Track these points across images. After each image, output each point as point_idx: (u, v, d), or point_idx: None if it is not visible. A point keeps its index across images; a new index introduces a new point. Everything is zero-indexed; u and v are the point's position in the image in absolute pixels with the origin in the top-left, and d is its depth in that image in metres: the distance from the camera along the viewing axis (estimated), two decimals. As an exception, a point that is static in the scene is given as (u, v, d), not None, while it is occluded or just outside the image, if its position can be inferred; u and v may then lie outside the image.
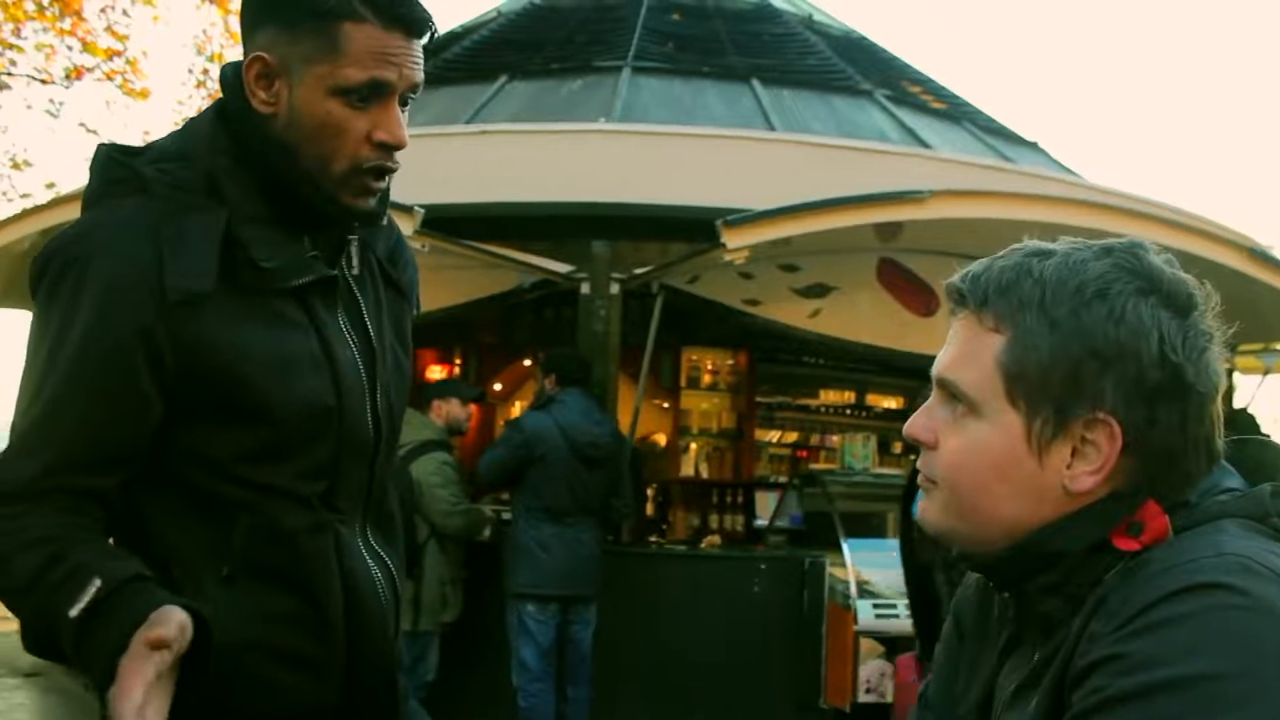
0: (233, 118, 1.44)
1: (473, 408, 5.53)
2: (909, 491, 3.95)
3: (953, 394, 1.05)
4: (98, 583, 1.25)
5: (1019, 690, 1.04)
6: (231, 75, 1.46)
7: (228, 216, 1.39)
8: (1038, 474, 1.01)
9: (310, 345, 1.44)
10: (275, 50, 1.40)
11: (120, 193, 1.40)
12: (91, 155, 1.47)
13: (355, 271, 1.54)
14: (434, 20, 1.44)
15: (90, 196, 1.43)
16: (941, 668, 1.23)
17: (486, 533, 5.47)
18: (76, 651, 1.25)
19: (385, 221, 1.59)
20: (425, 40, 1.44)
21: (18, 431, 1.35)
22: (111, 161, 1.43)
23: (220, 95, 1.50)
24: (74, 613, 1.24)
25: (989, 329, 1.03)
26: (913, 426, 1.09)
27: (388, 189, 1.50)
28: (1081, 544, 1.00)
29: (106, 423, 1.35)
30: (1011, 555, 1.03)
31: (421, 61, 1.44)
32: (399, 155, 1.46)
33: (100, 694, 1.22)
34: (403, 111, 1.44)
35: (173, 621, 1.23)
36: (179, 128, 1.51)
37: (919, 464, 1.10)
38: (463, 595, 5.42)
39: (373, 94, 1.40)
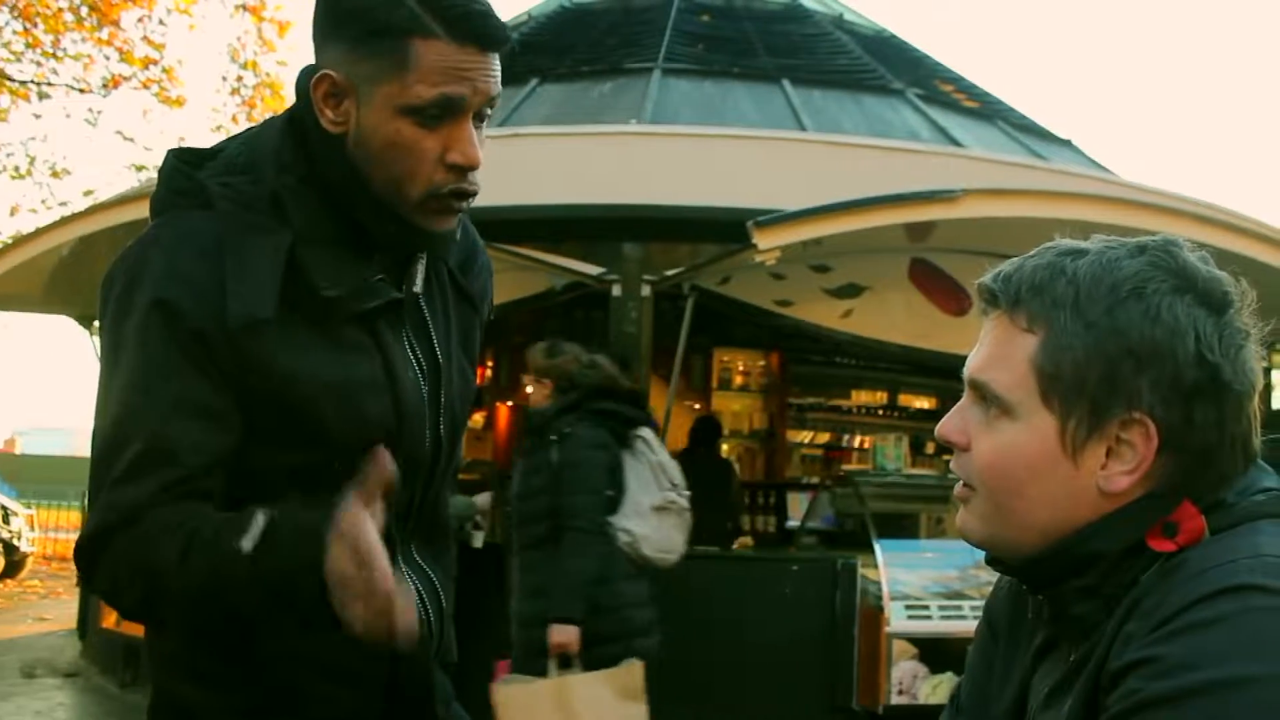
0: (303, 133, 1.39)
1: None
2: None
3: (985, 395, 1.05)
4: (259, 516, 1.22)
5: (1053, 692, 1.03)
6: (303, 84, 1.40)
7: (292, 240, 1.34)
8: (1073, 475, 1.01)
9: (373, 370, 1.40)
10: (342, 68, 1.34)
11: (184, 204, 1.38)
12: (163, 161, 1.46)
13: (420, 288, 1.48)
14: (510, 33, 1.37)
15: (156, 205, 1.42)
16: (974, 669, 1.22)
17: (467, 528, 5.34)
18: (258, 581, 1.21)
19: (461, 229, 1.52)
20: (501, 53, 1.36)
21: (116, 451, 1.30)
22: (177, 172, 1.41)
23: (290, 108, 1.46)
24: (247, 546, 1.20)
25: (1022, 329, 1.02)
26: (945, 428, 1.08)
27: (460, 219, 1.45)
28: (1117, 545, 0.99)
29: (200, 432, 1.31)
30: (1046, 557, 1.02)
31: (499, 74, 1.36)
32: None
33: (313, 604, 1.18)
34: (479, 128, 1.36)
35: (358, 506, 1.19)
36: (248, 132, 1.46)
37: (953, 466, 1.09)
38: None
39: (444, 112, 1.32)
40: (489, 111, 1.37)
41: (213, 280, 1.31)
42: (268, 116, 1.52)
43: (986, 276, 1.07)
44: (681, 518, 4.19)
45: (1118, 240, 1.04)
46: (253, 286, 1.31)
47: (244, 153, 1.41)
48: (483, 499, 5.43)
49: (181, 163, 1.43)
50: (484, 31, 1.32)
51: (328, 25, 1.37)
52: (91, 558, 1.30)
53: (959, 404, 1.08)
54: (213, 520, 1.25)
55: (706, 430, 7.17)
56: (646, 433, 4.26)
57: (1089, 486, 1.00)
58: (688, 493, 4.24)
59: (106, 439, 1.32)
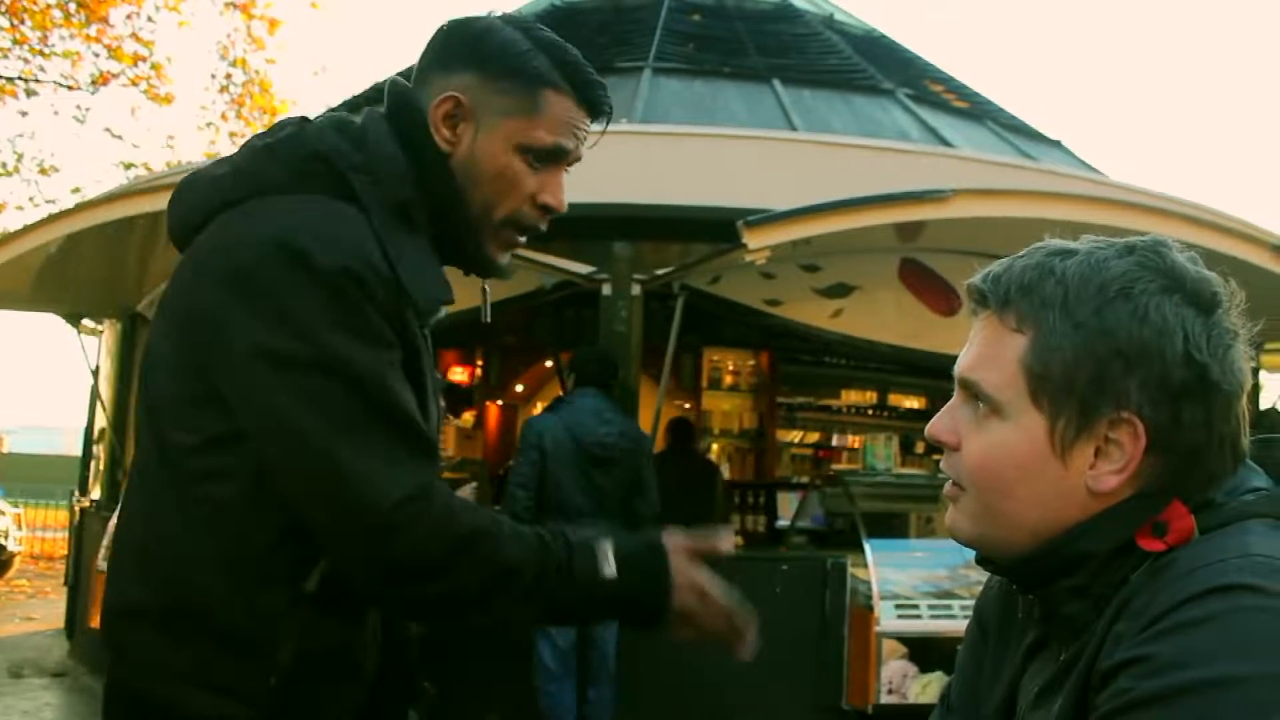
0: (415, 150, 1.46)
1: (440, 400, 5.44)
2: None
3: (975, 394, 1.05)
4: (605, 544, 1.40)
5: (1043, 691, 1.04)
6: (409, 101, 1.48)
7: (428, 244, 1.45)
8: (1062, 475, 1.01)
9: (433, 375, 1.50)
10: (471, 95, 1.46)
11: (314, 188, 1.39)
12: (279, 138, 1.44)
13: None
14: (612, 108, 1.56)
15: (279, 183, 1.40)
16: (964, 668, 1.23)
17: None
18: (614, 601, 1.41)
19: None
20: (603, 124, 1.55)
21: (376, 418, 1.31)
22: (315, 157, 1.41)
23: (379, 111, 1.49)
24: (609, 574, 1.39)
25: (1011, 329, 1.03)
26: (935, 428, 1.09)
27: None
28: (1106, 545, 0.99)
29: (412, 405, 1.37)
30: (1036, 557, 1.03)
31: (589, 140, 1.55)
32: None
33: (659, 613, 1.43)
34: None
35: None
36: (338, 128, 1.46)
37: (943, 465, 1.09)
38: None
39: (550, 159, 1.49)
40: (568, 172, 1.54)
41: (385, 264, 1.36)
42: (343, 116, 1.50)
43: (976, 277, 1.07)
44: None
45: (1106, 241, 1.04)
46: (425, 274, 1.40)
47: (354, 152, 1.43)
48: (464, 491, 5.42)
49: (308, 145, 1.42)
50: (601, 102, 1.53)
51: (464, 53, 1.48)
52: (402, 522, 1.30)
53: (949, 404, 1.09)
54: (545, 539, 1.40)
55: (682, 431, 7.19)
56: None
57: (1078, 486, 1.01)
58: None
59: (352, 404, 1.30)
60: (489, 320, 1.66)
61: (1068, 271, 1.01)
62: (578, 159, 1.53)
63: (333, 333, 1.30)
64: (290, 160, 1.41)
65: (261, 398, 1.31)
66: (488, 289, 1.66)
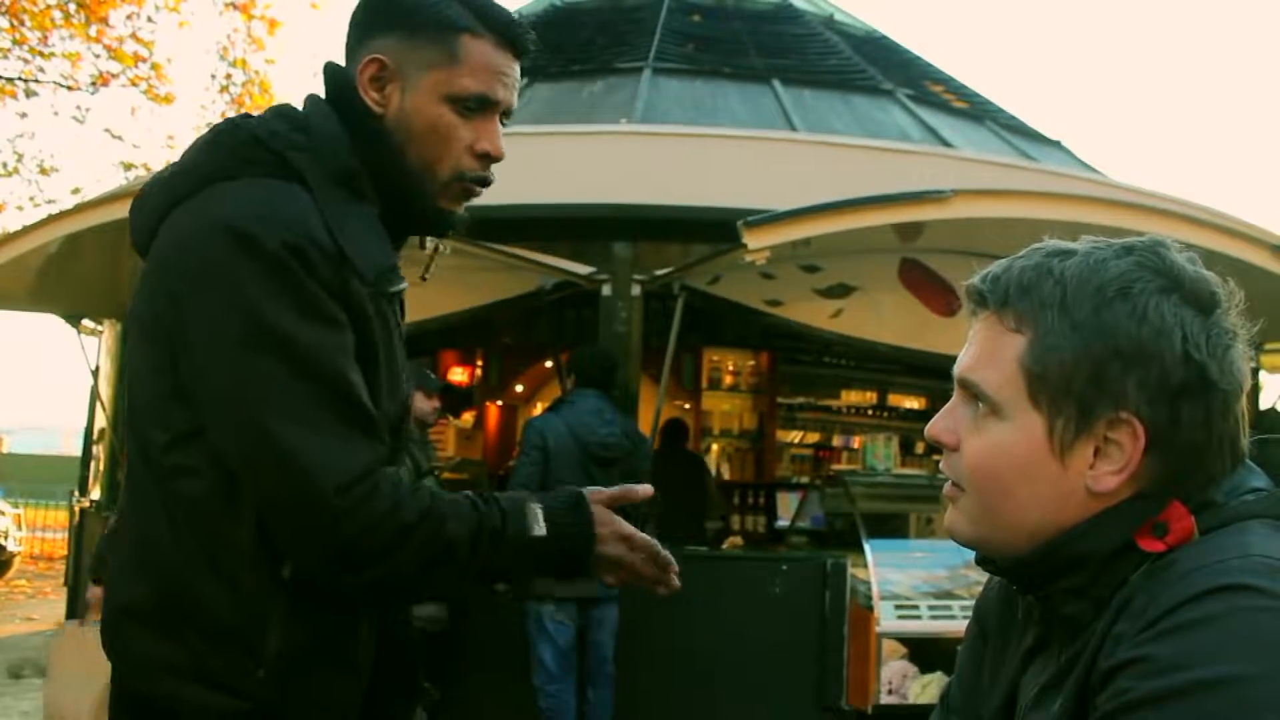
0: (351, 117, 1.48)
1: (437, 400, 5.42)
2: None
3: (975, 394, 1.05)
4: (534, 504, 1.45)
5: (1043, 692, 1.03)
6: (338, 74, 1.51)
7: (375, 213, 1.46)
8: (1061, 475, 1.01)
9: (398, 347, 1.51)
10: (393, 55, 1.48)
11: (256, 173, 1.40)
12: (218, 129, 1.48)
13: None
14: (537, 43, 1.56)
15: (214, 172, 1.41)
16: (963, 669, 1.23)
17: None
18: (548, 558, 1.45)
19: None
20: (525, 62, 1.55)
21: (321, 400, 1.32)
22: (255, 142, 1.43)
23: (318, 95, 1.52)
24: (539, 532, 1.43)
25: (1010, 329, 1.03)
26: (934, 428, 1.09)
27: None
28: (1106, 546, 0.99)
29: (359, 385, 1.38)
30: (1036, 558, 1.03)
31: (518, 84, 1.55)
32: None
33: (581, 563, 1.48)
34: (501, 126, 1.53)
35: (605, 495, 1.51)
36: (278, 115, 1.50)
37: (942, 466, 1.09)
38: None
39: (480, 106, 1.49)
40: (505, 122, 1.54)
41: (328, 237, 1.37)
42: (284, 104, 1.53)
43: (975, 278, 1.07)
44: None
45: (1105, 241, 1.04)
46: (368, 244, 1.41)
47: (296, 134, 1.45)
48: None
49: (248, 129, 1.45)
50: (520, 39, 1.53)
51: (380, 15, 1.51)
52: (348, 506, 1.31)
53: (948, 404, 1.09)
54: (480, 507, 1.43)
55: (672, 432, 7.21)
56: None
57: (1077, 487, 1.01)
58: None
59: (296, 384, 1.32)
60: (424, 278, 1.66)
61: (1066, 272, 1.01)
62: (510, 106, 1.53)
63: (277, 312, 1.32)
64: (231, 148, 1.43)
65: (211, 382, 1.34)
66: (443, 247, 1.68)
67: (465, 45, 1.48)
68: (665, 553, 1.50)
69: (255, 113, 1.54)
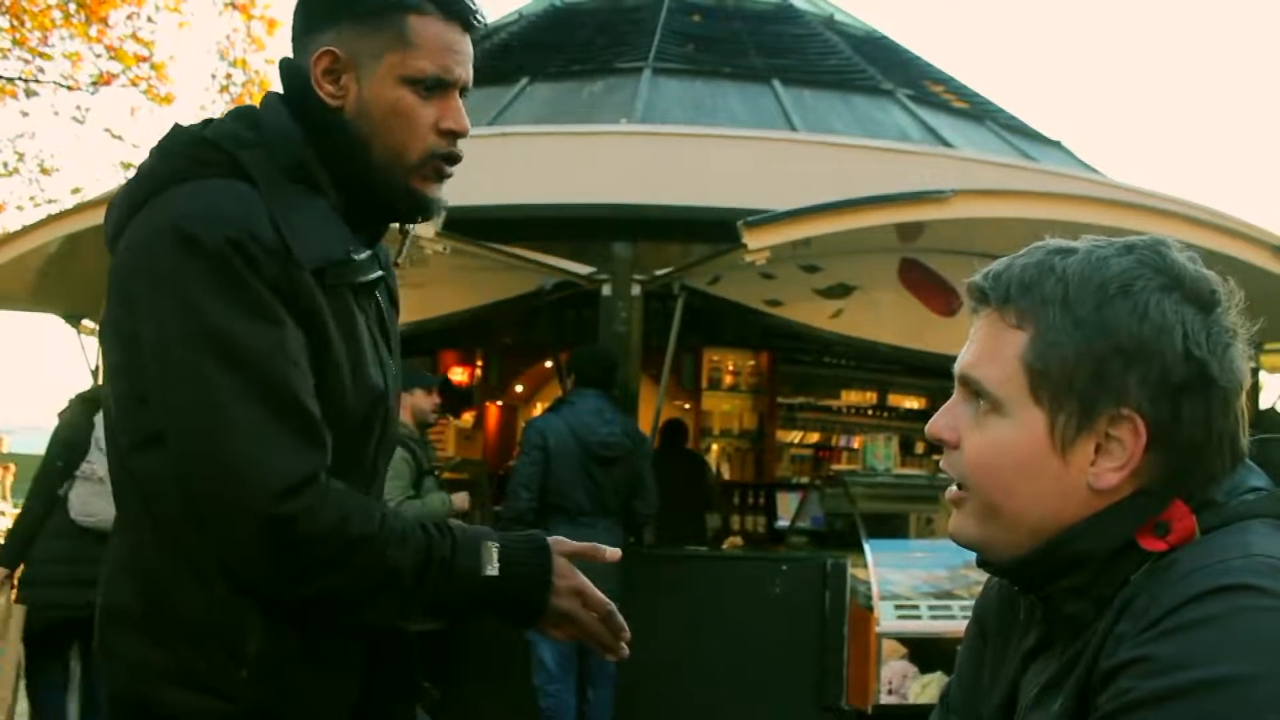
0: (305, 112, 1.47)
1: (437, 396, 5.42)
2: None
3: (976, 391, 1.05)
4: (490, 544, 1.41)
5: (1043, 691, 1.03)
6: (291, 69, 1.51)
7: (329, 205, 1.45)
8: (1062, 472, 1.01)
9: (367, 341, 1.49)
10: (344, 45, 1.47)
11: (210, 174, 1.40)
12: (168, 134, 1.48)
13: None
14: (484, 15, 1.53)
15: (169, 175, 1.42)
16: (963, 669, 1.23)
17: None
18: (495, 599, 1.42)
19: None
20: (475, 37, 1.52)
21: (258, 403, 1.31)
22: (204, 143, 1.44)
23: (276, 92, 1.52)
24: (491, 572, 1.40)
25: (1011, 326, 1.03)
26: (935, 426, 1.09)
27: None
28: (1108, 544, 0.99)
29: (302, 389, 1.36)
30: (1037, 558, 1.03)
31: (472, 59, 1.53)
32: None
33: (531, 612, 1.45)
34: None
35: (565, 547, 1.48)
36: (234, 115, 1.51)
37: (943, 464, 1.09)
38: None
39: (438, 86, 1.48)
40: (465, 95, 1.53)
41: (274, 234, 1.36)
42: (244, 104, 1.54)
43: (976, 275, 1.07)
44: (100, 485, 4.57)
45: (1106, 240, 1.05)
46: (314, 237, 1.40)
47: (247, 131, 1.46)
48: (460, 497, 5.42)
49: (200, 135, 1.45)
50: (468, 11, 1.50)
51: (325, 7, 1.49)
52: (284, 515, 1.30)
53: (949, 402, 1.09)
54: (433, 536, 1.40)
55: (672, 432, 7.20)
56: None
57: (1078, 484, 1.01)
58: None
59: (239, 387, 1.31)
60: (399, 263, 1.64)
61: (1068, 269, 1.01)
62: (466, 83, 1.52)
63: (219, 312, 1.31)
64: (181, 151, 1.44)
65: (155, 384, 1.34)
66: (410, 230, 1.65)
67: (413, 26, 1.46)
68: (619, 619, 1.50)
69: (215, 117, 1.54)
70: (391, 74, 1.46)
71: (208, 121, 1.50)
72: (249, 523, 1.30)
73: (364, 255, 1.48)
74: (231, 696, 1.37)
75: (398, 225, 1.61)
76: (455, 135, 1.50)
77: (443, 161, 1.51)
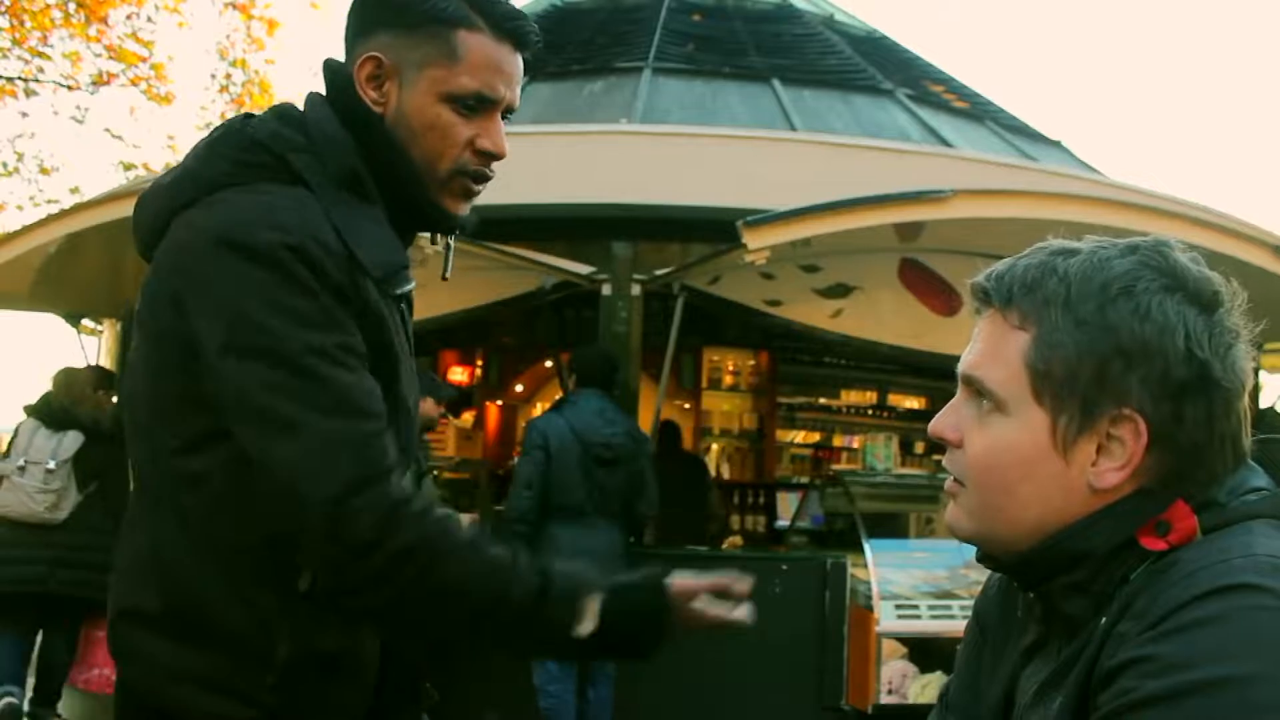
0: (351, 116, 1.45)
1: (444, 407, 5.49)
2: None
3: (979, 391, 1.06)
4: (592, 601, 1.36)
5: (1042, 689, 1.04)
6: (338, 73, 1.48)
7: (382, 213, 1.43)
8: (1064, 471, 1.01)
9: (404, 346, 1.48)
10: (390, 53, 1.45)
11: (259, 177, 1.39)
12: (218, 133, 1.46)
13: None
14: (539, 36, 1.50)
15: (227, 175, 1.40)
16: (962, 668, 1.23)
17: None
18: (579, 651, 1.38)
19: None
20: (528, 56, 1.50)
21: (315, 401, 1.29)
22: (256, 145, 1.41)
23: (319, 93, 1.50)
24: (584, 632, 1.36)
25: (1014, 327, 1.04)
26: (938, 425, 1.09)
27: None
28: (1108, 542, 0.99)
29: (368, 394, 1.34)
30: (1037, 555, 1.03)
31: (521, 80, 1.50)
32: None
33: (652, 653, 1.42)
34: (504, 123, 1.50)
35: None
36: (279, 116, 1.48)
37: (944, 462, 1.10)
38: None
39: (480, 105, 1.45)
40: (508, 119, 1.51)
41: (336, 239, 1.35)
42: (284, 103, 1.51)
43: (979, 276, 1.08)
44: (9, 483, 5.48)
45: (1109, 241, 1.05)
46: (379, 243, 1.39)
47: (296, 135, 1.43)
48: (466, 519, 5.45)
49: (248, 135, 1.43)
50: (521, 32, 1.48)
51: (376, 11, 1.47)
52: (341, 516, 1.27)
53: (952, 402, 1.09)
54: (518, 574, 1.35)
55: (667, 436, 7.20)
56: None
57: (1079, 483, 1.01)
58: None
59: (293, 392, 1.29)
60: (447, 278, 1.64)
61: (1070, 270, 1.02)
62: (512, 104, 1.49)
63: (278, 319, 1.30)
64: (231, 153, 1.42)
65: (225, 390, 1.32)
66: (451, 243, 1.64)
67: (462, 41, 1.44)
68: (733, 585, 1.49)
69: (256, 113, 1.52)
70: (434, 88, 1.44)
71: (248, 118, 1.47)
72: (311, 528, 1.28)
73: (408, 263, 1.47)
74: (254, 702, 1.36)
75: (428, 236, 1.60)
76: (491, 156, 1.48)
77: (471, 180, 1.49)
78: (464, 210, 1.52)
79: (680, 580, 1.42)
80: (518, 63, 1.48)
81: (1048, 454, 1.02)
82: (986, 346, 1.06)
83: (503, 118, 1.50)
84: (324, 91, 1.50)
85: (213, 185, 1.39)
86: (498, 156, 1.49)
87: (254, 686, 1.35)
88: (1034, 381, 1.02)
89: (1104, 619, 0.97)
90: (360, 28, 1.48)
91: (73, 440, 5.60)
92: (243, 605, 1.35)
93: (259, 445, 1.30)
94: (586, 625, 1.34)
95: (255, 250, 1.31)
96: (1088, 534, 1.00)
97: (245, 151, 1.41)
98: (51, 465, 5.53)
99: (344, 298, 1.34)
